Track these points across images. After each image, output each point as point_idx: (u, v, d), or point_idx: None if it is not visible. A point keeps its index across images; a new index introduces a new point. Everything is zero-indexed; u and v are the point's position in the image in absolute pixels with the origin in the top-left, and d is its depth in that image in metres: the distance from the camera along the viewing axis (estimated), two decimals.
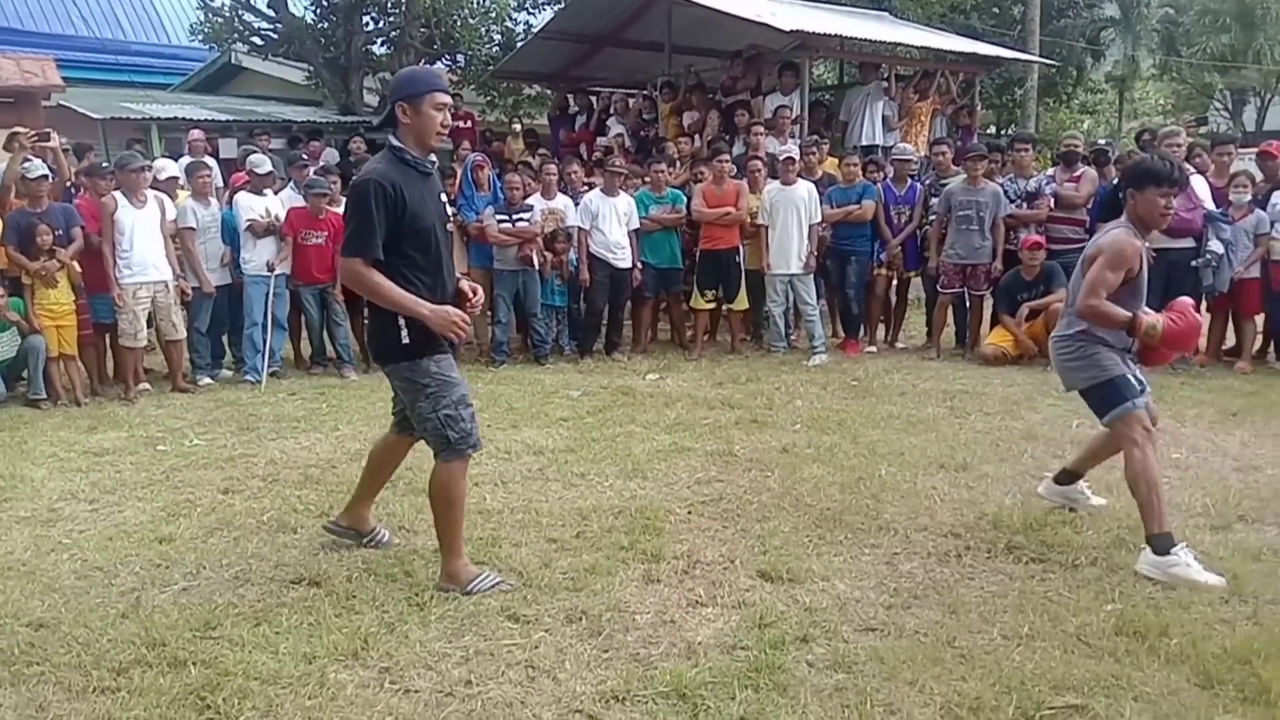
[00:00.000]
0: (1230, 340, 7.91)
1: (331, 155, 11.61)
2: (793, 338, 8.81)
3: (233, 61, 17.07)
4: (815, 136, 9.64)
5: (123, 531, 4.34)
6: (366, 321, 3.80)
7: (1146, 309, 3.87)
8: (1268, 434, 5.67)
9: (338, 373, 8.00)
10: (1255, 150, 8.48)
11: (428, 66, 3.79)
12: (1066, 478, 4.41)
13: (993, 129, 22.76)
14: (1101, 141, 10.86)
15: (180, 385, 7.46)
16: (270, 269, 7.73)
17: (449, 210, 3.69)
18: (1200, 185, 7.34)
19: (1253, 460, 5.16)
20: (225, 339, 8.17)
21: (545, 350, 8.46)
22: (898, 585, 3.62)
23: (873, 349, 8.82)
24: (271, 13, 15.18)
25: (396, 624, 3.34)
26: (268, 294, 7.70)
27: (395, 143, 3.51)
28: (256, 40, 15.79)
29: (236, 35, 15.69)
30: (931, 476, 4.93)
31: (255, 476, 5.18)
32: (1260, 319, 7.72)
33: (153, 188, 7.42)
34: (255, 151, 8.74)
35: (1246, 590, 3.51)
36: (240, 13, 15.50)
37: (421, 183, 3.52)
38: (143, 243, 7.10)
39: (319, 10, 15.54)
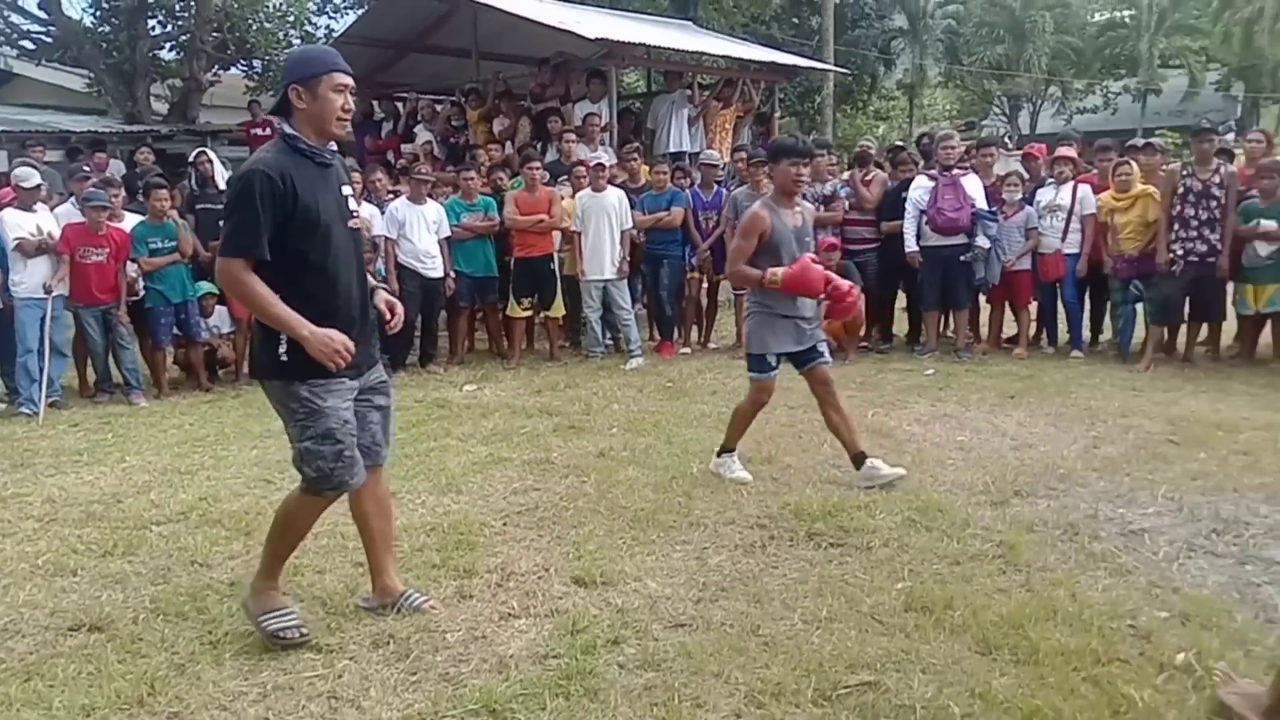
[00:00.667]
0: (1011, 329, 8.55)
1: (117, 167, 10.87)
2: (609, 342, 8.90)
3: (2, 67, 15.69)
4: (636, 145, 9.80)
5: None
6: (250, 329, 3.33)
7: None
8: (1041, 414, 6.16)
9: (125, 400, 7.46)
10: (1021, 152, 9.22)
11: (324, 46, 3.32)
12: (858, 461, 4.79)
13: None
14: (899, 142, 11.55)
15: None
16: (47, 291, 7.14)
17: (353, 206, 3.31)
18: (973, 184, 7.92)
19: (1028, 439, 5.60)
20: None
21: None
22: (706, 579, 3.71)
23: (687, 350, 9.03)
24: (44, 15, 14.04)
25: (187, 665, 3.15)
26: (43, 318, 7.10)
27: (289, 130, 3.15)
28: (28, 44, 14.56)
29: (2, 38, 14.41)
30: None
31: (29, 517, 4.76)
32: (1034, 307, 8.39)
33: None
34: (23, 164, 8.05)
35: (1021, 560, 3.80)
36: (6, 14, 14.26)
37: (318, 174, 3.15)
38: None
39: (99, 13, 14.54)
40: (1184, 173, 7.31)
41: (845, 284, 4.81)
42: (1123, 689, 2.79)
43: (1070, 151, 8.02)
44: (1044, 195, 7.98)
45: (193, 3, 13.53)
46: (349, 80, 3.19)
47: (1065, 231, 7.80)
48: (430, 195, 8.40)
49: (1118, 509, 4.39)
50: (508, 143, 10.59)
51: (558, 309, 8.78)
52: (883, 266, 8.44)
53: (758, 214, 4.68)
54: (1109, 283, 7.82)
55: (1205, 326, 7.74)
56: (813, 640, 3.17)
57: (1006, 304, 8.36)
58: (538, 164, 8.64)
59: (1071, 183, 7.84)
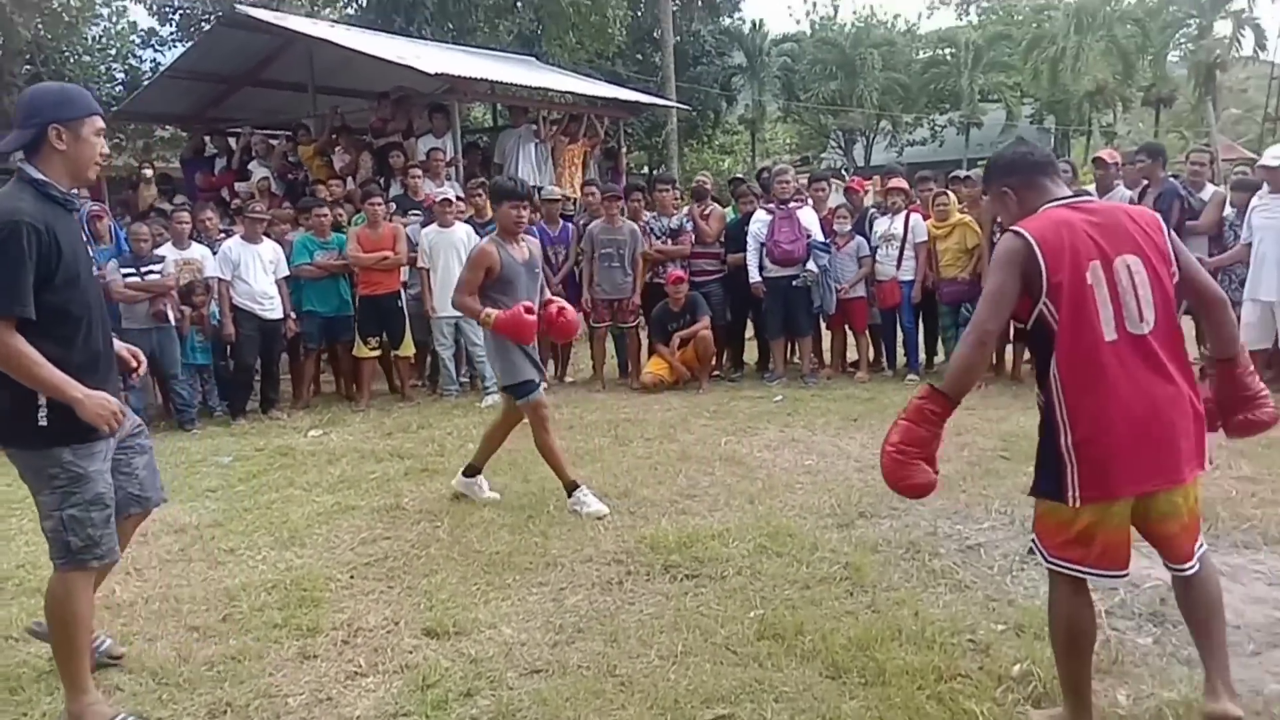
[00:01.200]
0: (853, 354, 8.89)
1: None
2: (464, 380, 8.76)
3: None
4: (482, 179, 9.72)
5: None
6: None
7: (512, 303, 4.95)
8: (882, 435, 6.24)
9: None
10: (844, 186, 9.68)
11: (76, 86, 3.09)
12: (472, 471, 5.34)
13: (646, 169, 24.20)
14: (738, 175, 11.91)
15: None
16: None
17: (92, 252, 3.13)
18: (808, 216, 8.25)
19: (870, 460, 5.78)
20: None
21: (191, 415, 7.75)
22: (563, 621, 3.66)
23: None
24: None
25: None
26: None
27: (36, 174, 2.88)
28: None
29: None
30: None
31: None
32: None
33: None
34: None
35: (867, 581, 3.92)
36: None
37: (70, 222, 2.97)
38: None
39: None
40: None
41: (554, 307, 5.31)
42: (964, 704, 2.90)
43: (901, 183, 8.44)
44: (880, 225, 8.36)
45: (1, 34, 12.63)
46: (103, 125, 3.04)
47: (900, 259, 8.19)
48: (266, 234, 8.09)
49: (955, 525, 4.59)
50: (349, 178, 10.33)
51: (407, 347, 8.59)
52: (732, 297, 8.66)
53: (485, 250, 5.05)
54: (939, 307, 8.23)
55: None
56: (669, 676, 3.17)
57: (847, 330, 8.69)
58: (379, 199, 8.47)
59: (904, 212, 8.24)
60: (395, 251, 8.25)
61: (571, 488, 5.06)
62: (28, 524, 5.24)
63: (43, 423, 2.87)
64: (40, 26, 12.09)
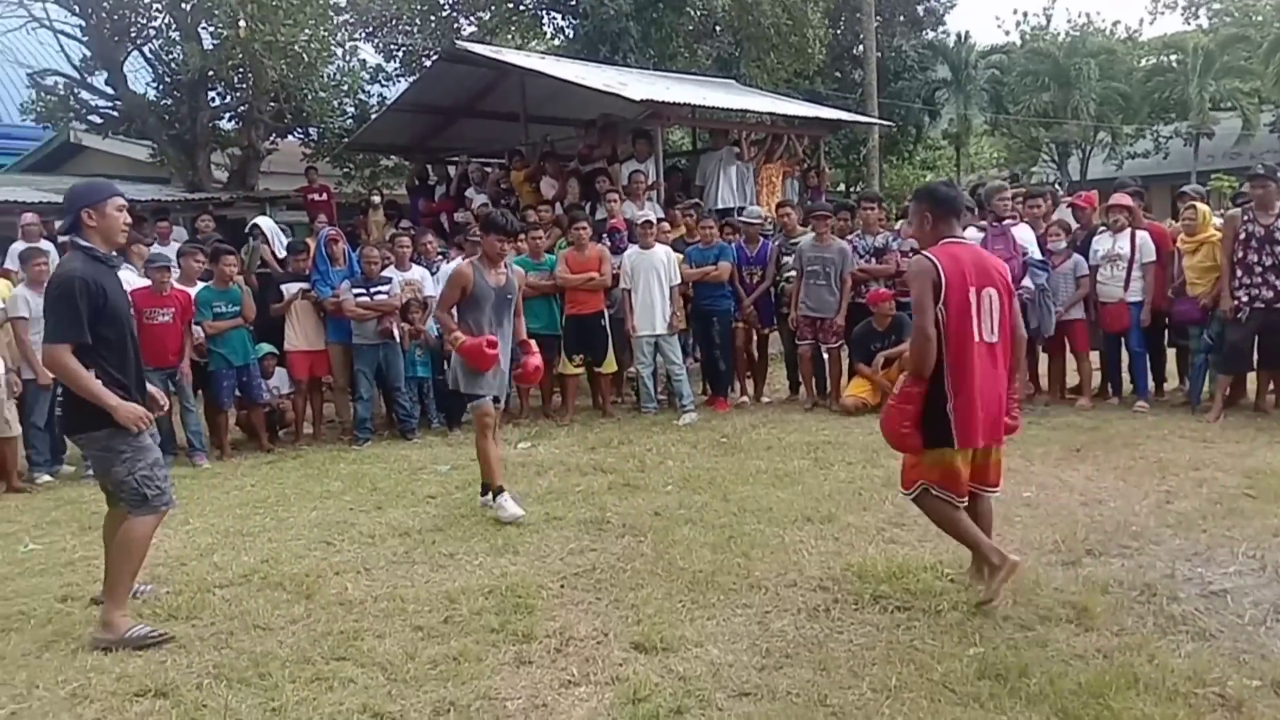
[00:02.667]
0: (1073, 379, 8.37)
1: (180, 234, 11.19)
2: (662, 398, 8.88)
3: (71, 140, 16.31)
4: (695, 201, 9.91)
5: None
6: (62, 395, 4.07)
7: (482, 328, 5.54)
8: (1109, 468, 6.00)
9: (189, 461, 7.59)
10: (1067, 201, 9.11)
11: (100, 179, 4.98)
12: (485, 490, 5.71)
13: (842, 187, 23.83)
14: None
15: (15, 485, 6.94)
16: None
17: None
18: (1024, 233, 7.85)
19: (1096, 494, 5.44)
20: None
21: (412, 425, 8.26)
22: (770, 645, 3.62)
23: (745, 399, 9.04)
24: (111, 90, 14.61)
25: None
26: None
27: (84, 243, 3.98)
28: (95, 119, 15.14)
29: (73, 114, 15.00)
30: (799, 530, 5.00)
31: (96, 580, 4.76)
32: (1095, 357, 8.23)
33: None
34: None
35: (1097, 623, 3.67)
36: (77, 91, 14.86)
37: (113, 277, 4.07)
38: None
39: (162, 87, 15.06)
40: (1245, 217, 7.15)
41: (532, 362, 5.97)
42: None
43: (1126, 200, 7.88)
44: (1101, 244, 7.86)
45: (250, 75, 13.93)
46: (125, 202, 4.10)
47: (1127, 281, 7.66)
48: None
49: (1196, 568, 4.23)
50: (557, 203, 10.72)
51: (609, 365, 8.80)
52: None
53: (462, 270, 5.64)
54: (1188, 330, 7.65)
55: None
56: (883, 710, 3.07)
57: (1068, 354, 8.19)
58: (585, 224, 8.73)
59: (1129, 231, 7.70)
60: (600, 273, 8.49)
61: (497, 492, 5.56)
62: (269, 522, 5.74)
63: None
64: (284, 67, 13.23)
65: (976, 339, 3.76)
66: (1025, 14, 47.22)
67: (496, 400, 5.75)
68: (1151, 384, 8.07)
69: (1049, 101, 33.78)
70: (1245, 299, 7.05)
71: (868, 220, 8.70)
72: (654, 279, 8.35)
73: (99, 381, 3.87)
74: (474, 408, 5.77)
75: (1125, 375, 8.14)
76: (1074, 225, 8.35)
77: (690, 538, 4.96)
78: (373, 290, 8.08)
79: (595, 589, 4.33)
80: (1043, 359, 8.44)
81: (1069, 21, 39.75)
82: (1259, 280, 7.01)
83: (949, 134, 33.90)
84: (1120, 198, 7.93)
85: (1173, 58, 36.12)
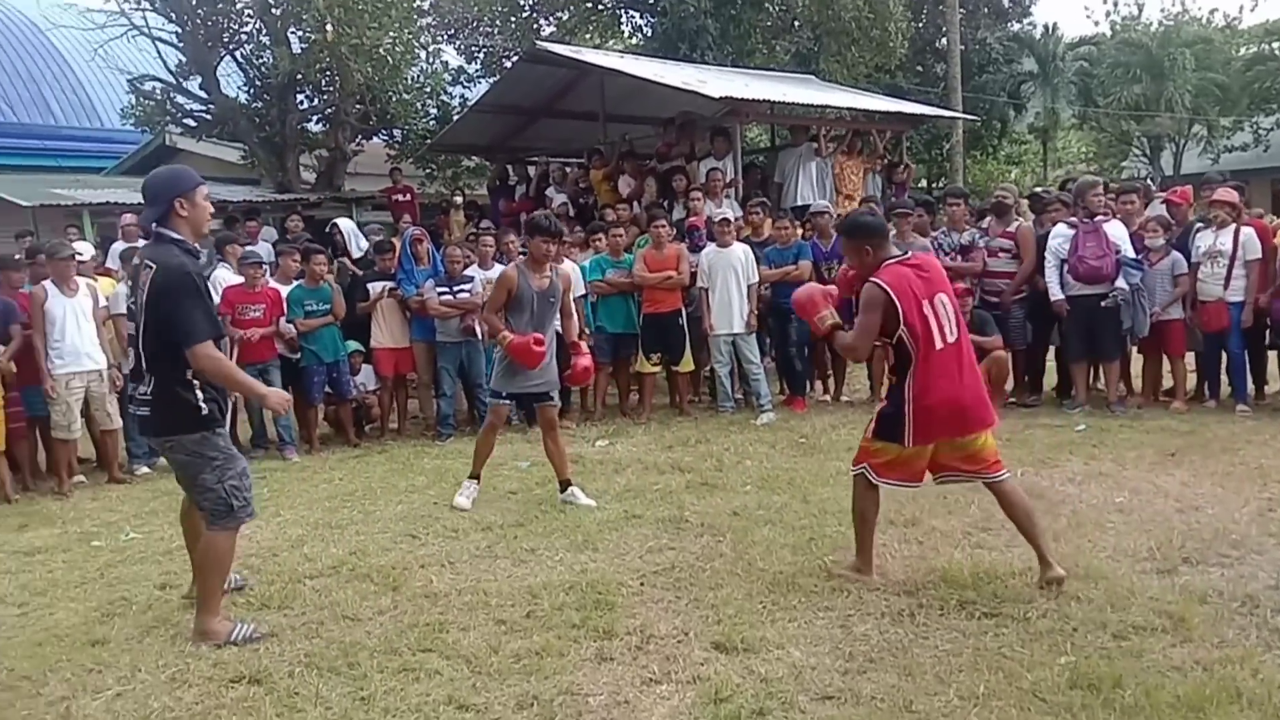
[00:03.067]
0: (1168, 381, 8.09)
1: (269, 233, 11.53)
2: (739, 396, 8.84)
3: (167, 143, 16.92)
4: (762, 199, 9.83)
5: (53, 635, 4.15)
6: (150, 396, 3.85)
7: (522, 330, 5.69)
8: (1205, 474, 5.78)
9: (280, 455, 7.82)
10: (1161, 197, 8.79)
11: (183, 166, 4.64)
12: (561, 487, 5.86)
13: (924, 183, 23.40)
14: (1038, 189, 11.18)
15: (116, 476, 7.24)
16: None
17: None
18: (1116, 230, 7.59)
19: (1193, 500, 5.25)
20: None
21: None
22: (853, 649, 3.58)
23: (826, 398, 8.99)
24: (204, 95, 15.14)
25: None
26: None
27: (175, 235, 3.83)
28: (190, 122, 15.70)
29: (169, 118, 15.58)
30: (882, 533, 4.88)
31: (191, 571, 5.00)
32: (1191, 359, 7.93)
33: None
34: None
35: (1195, 634, 3.54)
36: (173, 95, 15.43)
37: (201, 267, 4.02)
38: (74, 332, 6.96)
39: (253, 91, 15.54)
40: None
41: (581, 363, 6.08)
42: None
43: (1230, 195, 7.55)
44: (1202, 240, 7.56)
45: (337, 78, 14.29)
46: (209, 191, 4.01)
47: (1228, 279, 7.36)
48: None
49: None
50: (635, 202, 10.75)
51: (686, 364, 8.80)
52: (1034, 319, 8.13)
53: (507, 274, 5.80)
54: None
55: None
56: (970, 718, 3.01)
57: (1163, 355, 7.91)
58: (664, 222, 8.73)
59: (1233, 227, 7.40)
60: (679, 271, 8.48)
61: (472, 478, 5.92)
62: (357, 515, 5.88)
63: (204, 410, 3.84)
64: (370, 70, 13.55)
65: (939, 345, 4.00)
66: (1116, 4, 45.55)
67: (550, 396, 5.97)
68: (1251, 387, 7.74)
69: (1141, 94, 32.61)
70: None
71: (953, 217, 8.52)
72: (731, 278, 8.32)
73: (244, 373, 4.10)
74: (493, 405, 6.04)
75: (1224, 377, 7.82)
76: (1171, 222, 8.04)
77: (770, 538, 4.94)
78: (455, 289, 8.22)
79: (675, 587, 4.33)
80: (1136, 359, 8.17)
81: (1162, 11, 38.45)
82: None
83: (1035, 128, 33.01)
84: (1225, 192, 7.60)
85: (1275, 45, 34.56)
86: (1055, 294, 7.72)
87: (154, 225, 3.88)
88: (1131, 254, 7.55)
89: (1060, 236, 7.71)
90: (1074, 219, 7.74)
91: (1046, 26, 32.12)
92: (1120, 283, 7.43)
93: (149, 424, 3.98)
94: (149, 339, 3.82)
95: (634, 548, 4.94)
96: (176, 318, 3.72)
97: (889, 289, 3.98)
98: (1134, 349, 8.04)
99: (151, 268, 3.77)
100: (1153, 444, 6.55)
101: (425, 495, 6.26)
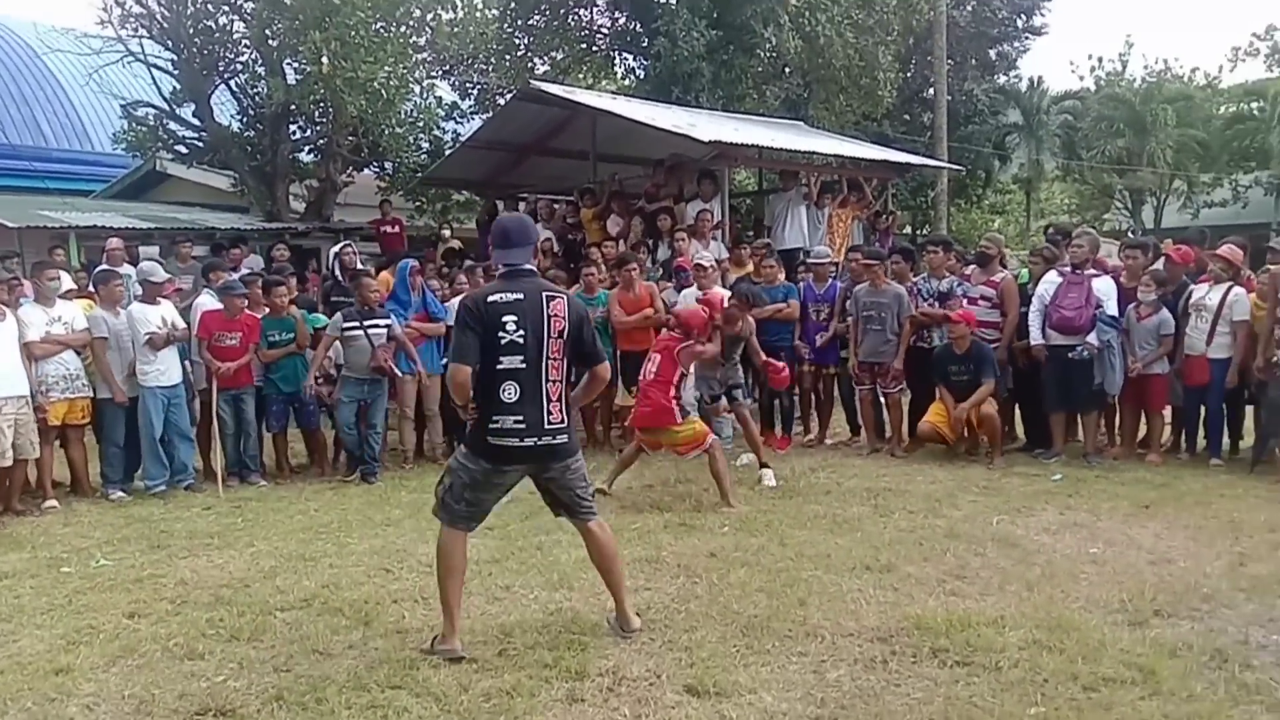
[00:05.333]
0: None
1: (255, 261, 11.53)
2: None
3: (157, 168, 16.96)
4: (766, 241, 10.02)
5: (16, 663, 4.09)
6: (565, 422, 4.16)
7: None
8: (1179, 526, 5.82)
9: (254, 484, 7.78)
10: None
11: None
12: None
13: (909, 229, 23.65)
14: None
15: (13, 507, 6.97)
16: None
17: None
18: (1103, 286, 7.68)
19: (1166, 553, 5.29)
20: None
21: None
22: (825, 695, 3.58)
23: (811, 438, 9.08)
24: (197, 122, 15.21)
25: None
26: (166, 405, 7.52)
27: (533, 268, 4.20)
28: (181, 149, 15.75)
29: (161, 144, 15.62)
30: (857, 578, 4.94)
31: (163, 598, 4.95)
32: (1168, 412, 8.00)
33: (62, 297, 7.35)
34: (150, 260, 8.68)
35: (1164, 687, 3.56)
36: (165, 122, 15.49)
37: None
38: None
39: (245, 119, 15.62)
40: None
41: None
42: None
43: (1233, 254, 7.54)
44: (1196, 292, 7.64)
45: (331, 110, 14.38)
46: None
47: (1211, 335, 7.44)
48: None
49: (1271, 635, 4.08)
50: (621, 241, 10.83)
51: None
52: (1013, 366, 8.22)
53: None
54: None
55: None
56: None
57: (1141, 409, 7.99)
58: (634, 265, 8.86)
59: (1226, 285, 7.45)
60: (654, 308, 8.66)
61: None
62: (331, 547, 5.84)
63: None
64: (364, 103, 13.64)
65: None
66: (1100, 59, 46.43)
67: None
68: (1227, 440, 7.81)
69: (1123, 148, 33.22)
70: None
71: (932, 264, 8.64)
72: None
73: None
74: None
75: (1201, 430, 7.90)
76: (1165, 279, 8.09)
77: (745, 581, 4.93)
78: (367, 325, 7.88)
79: (649, 629, 4.31)
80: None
81: (1145, 68, 39.09)
82: None
83: (1019, 179, 33.49)
84: (1229, 250, 7.59)
85: (1254, 105, 35.29)
86: (1036, 338, 7.80)
87: (521, 263, 4.14)
88: (1114, 311, 7.63)
89: (1048, 284, 7.83)
90: (1065, 268, 7.85)
91: (1032, 80, 32.72)
92: (1092, 337, 7.52)
93: (567, 448, 4.16)
94: (566, 365, 4.13)
95: None
96: (595, 340, 4.26)
97: None
98: (1114, 400, 8.09)
99: (557, 297, 4.12)
100: (1128, 496, 6.59)
101: (401, 529, 6.23)
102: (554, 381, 4.05)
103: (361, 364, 7.90)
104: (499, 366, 3.98)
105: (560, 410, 4.07)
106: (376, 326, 7.93)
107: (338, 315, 8.06)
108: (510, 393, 3.99)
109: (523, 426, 4.01)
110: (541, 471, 4.20)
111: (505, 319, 3.97)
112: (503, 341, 3.97)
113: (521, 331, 3.97)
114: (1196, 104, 35.46)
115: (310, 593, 4.93)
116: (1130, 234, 25.99)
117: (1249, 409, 7.98)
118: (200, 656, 4.14)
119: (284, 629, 4.41)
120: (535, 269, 4.22)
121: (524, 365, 3.98)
